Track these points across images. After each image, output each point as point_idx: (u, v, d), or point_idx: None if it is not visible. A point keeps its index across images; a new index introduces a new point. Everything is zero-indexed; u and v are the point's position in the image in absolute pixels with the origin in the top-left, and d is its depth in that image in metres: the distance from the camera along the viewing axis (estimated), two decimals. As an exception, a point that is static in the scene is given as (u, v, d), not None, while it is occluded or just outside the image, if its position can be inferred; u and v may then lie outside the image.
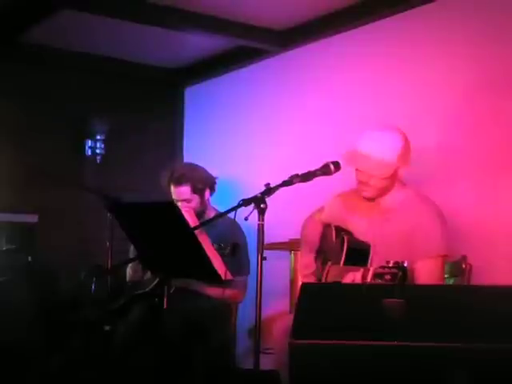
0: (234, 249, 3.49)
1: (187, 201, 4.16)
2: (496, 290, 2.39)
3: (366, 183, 3.35)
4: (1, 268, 5.00)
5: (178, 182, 4.18)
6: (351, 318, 2.32)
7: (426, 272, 3.18)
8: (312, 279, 3.46)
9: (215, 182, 4.30)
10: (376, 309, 2.26)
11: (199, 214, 4.13)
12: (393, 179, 3.35)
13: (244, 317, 4.24)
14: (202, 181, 4.22)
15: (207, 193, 4.25)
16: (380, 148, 3.29)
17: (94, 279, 4.32)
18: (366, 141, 3.33)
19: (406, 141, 3.34)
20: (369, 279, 2.83)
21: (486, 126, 4.07)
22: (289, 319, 3.12)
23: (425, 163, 4.18)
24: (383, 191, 3.38)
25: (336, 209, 3.62)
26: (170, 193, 4.24)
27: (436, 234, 3.27)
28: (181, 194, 4.18)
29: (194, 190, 4.19)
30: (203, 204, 4.23)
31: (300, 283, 3.12)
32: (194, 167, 4.31)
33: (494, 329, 2.23)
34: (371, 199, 3.43)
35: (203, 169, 4.30)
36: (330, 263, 3.36)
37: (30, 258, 5.29)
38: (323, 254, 3.52)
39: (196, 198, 4.20)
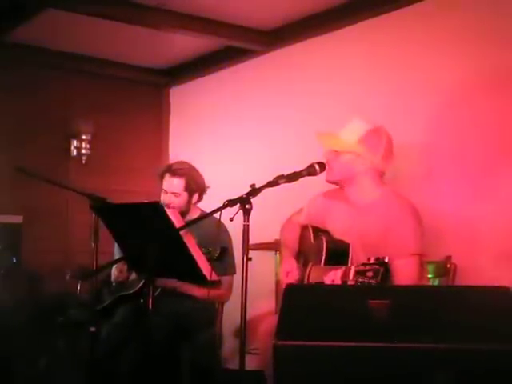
0: (222, 253, 3.48)
1: (176, 195, 4.15)
2: (480, 290, 2.40)
3: (328, 163, 3.37)
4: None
5: (174, 173, 4.17)
6: (335, 318, 2.32)
7: (401, 272, 3.12)
8: None
9: (205, 191, 4.30)
10: (360, 310, 2.26)
11: (183, 213, 4.12)
12: (350, 168, 3.34)
13: (230, 317, 4.23)
14: (197, 182, 4.21)
15: (196, 196, 4.23)
16: (345, 128, 3.39)
17: (80, 280, 4.31)
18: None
19: (373, 134, 3.35)
20: (351, 277, 2.83)
21: (470, 126, 4.08)
22: (274, 320, 3.12)
23: (409, 163, 4.21)
24: (342, 178, 3.38)
25: (315, 208, 3.62)
26: (160, 184, 4.23)
27: (408, 232, 3.22)
28: (173, 185, 4.16)
29: (187, 187, 4.17)
30: (188, 205, 4.22)
31: (283, 285, 3.14)
32: (193, 167, 4.30)
33: (478, 329, 2.24)
34: (333, 183, 3.44)
35: (201, 174, 4.30)
36: (310, 264, 3.36)
37: (14, 259, 5.27)
38: (303, 255, 3.52)
39: (184, 196, 4.18)
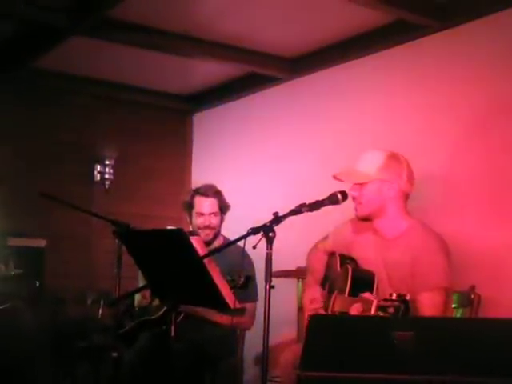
0: (246, 281, 3.48)
1: (215, 214, 4.18)
2: (506, 323, 2.38)
3: (354, 199, 3.38)
4: (9, 293, 4.99)
5: (207, 195, 4.21)
6: (360, 349, 2.31)
7: (428, 305, 3.13)
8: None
9: (229, 210, 4.34)
10: (385, 341, 2.25)
11: (210, 239, 4.15)
12: (380, 195, 3.34)
13: (251, 344, 4.22)
14: (225, 201, 4.27)
15: (224, 216, 4.28)
16: (361, 162, 3.40)
17: (108, 307, 4.30)
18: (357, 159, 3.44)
19: (392, 158, 3.36)
20: (372, 312, 2.82)
21: (495, 154, 4.07)
22: (296, 348, 3.12)
23: (433, 192, 4.20)
24: (374, 209, 3.37)
25: (342, 235, 3.62)
26: (190, 210, 4.25)
27: (437, 265, 3.22)
28: (210, 206, 4.19)
29: (220, 206, 4.22)
30: (220, 226, 4.25)
31: (307, 315, 3.12)
32: (218, 188, 4.34)
33: (503, 363, 2.22)
34: (364, 218, 3.43)
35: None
36: (335, 292, 3.35)
37: (37, 283, 5.29)
38: (329, 282, 3.52)
39: (219, 215, 4.22)
